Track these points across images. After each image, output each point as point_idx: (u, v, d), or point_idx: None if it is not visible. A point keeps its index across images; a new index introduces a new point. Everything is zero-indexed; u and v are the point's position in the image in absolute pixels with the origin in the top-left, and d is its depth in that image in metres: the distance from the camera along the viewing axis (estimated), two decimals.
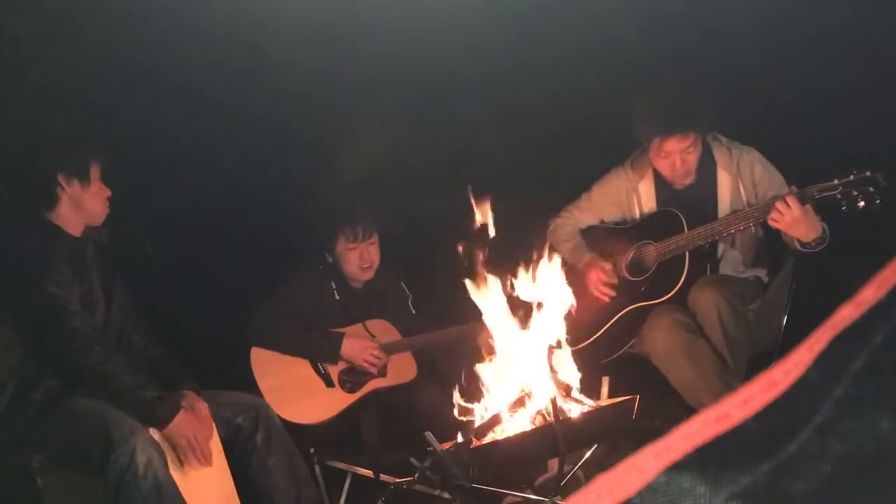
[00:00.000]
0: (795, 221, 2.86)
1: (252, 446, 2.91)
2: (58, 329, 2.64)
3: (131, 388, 2.65)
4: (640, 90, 3.32)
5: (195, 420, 2.70)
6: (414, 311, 3.68)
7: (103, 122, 3.38)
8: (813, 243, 2.93)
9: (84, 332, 2.66)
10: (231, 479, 2.82)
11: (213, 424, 2.80)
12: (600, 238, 3.49)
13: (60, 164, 2.78)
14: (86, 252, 2.84)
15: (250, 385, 3.29)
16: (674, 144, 3.18)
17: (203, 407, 2.76)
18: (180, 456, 2.65)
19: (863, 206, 2.80)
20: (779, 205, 2.87)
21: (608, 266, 3.34)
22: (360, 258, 3.49)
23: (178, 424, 2.65)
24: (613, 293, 3.31)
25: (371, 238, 3.51)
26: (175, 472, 2.61)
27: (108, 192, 2.86)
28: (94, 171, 2.83)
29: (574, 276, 3.49)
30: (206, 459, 2.69)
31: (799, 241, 2.95)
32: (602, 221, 3.54)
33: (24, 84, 3.31)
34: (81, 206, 2.80)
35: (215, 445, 2.80)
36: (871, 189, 2.80)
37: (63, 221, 2.80)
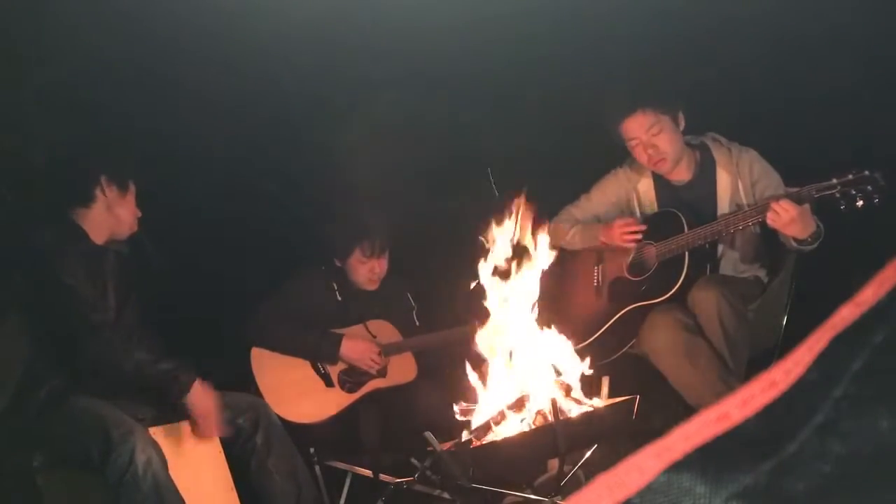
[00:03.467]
0: (792, 221, 2.87)
1: (252, 447, 2.91)
2: (70, 319, 2.68)
3: (147, 363, 2.71)
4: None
5: (211, 393, 2.78)
6: (418, 324, 3.69)
7: (103, 123, 3.38)
8: (809, 239, 2.94)
9: (95, 319, 2.71)
10: (231, 480, 2.82)
11: (216, 419, 2.80)
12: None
13: (105, 166, 2.85)
14: (104, 259, 2.85)
15: (250, 385, 3.29)
16: (634, 126, 3.21)
17: (209, 401, 2.79)
18: (199, 425, 2.74)
19: (861, 206, 2.80)
20: (775, 205, 2.88)
21: (621, 220, 3.34)
22: (370, 272, 3.53)
23: (198, 391, 2.73)
24: (640, 237, 3.31)
25: (384, 254, 3.54)
26: (174, 473, 2.61)
27: (139, 213, 2.92)
28: (132, 187, 2.90)
29: (578, 272, 3.51)
30: (216, 432, 2.79)
31: (794, 238, 2.96)
32: (601, 222, 3.54)
33: (24, 87, 3.32)
34: (113, 213, 2.85)
35: (215, 446, 2.81)
36: (869, 188, 2.80)
37: (89, 226, 2.83)
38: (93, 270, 2.79)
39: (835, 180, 2.85)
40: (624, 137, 3.27)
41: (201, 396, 2.75)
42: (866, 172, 2.82)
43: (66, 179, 2.89)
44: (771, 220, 2.91)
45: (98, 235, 2.85)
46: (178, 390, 2.72)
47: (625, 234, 3.32)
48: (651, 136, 3.20)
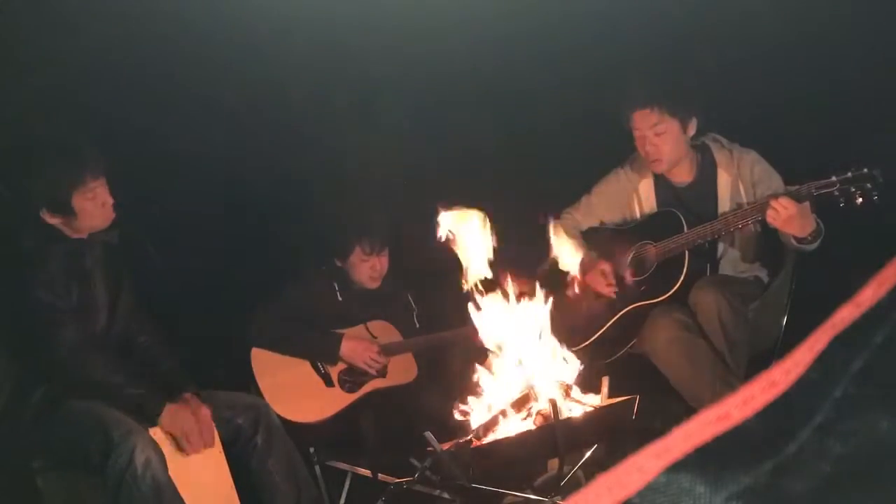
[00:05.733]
0: (791, 218, 2.87)
1: (252, 447, 2.90)
2: (44, 336, 2.63)
3: (115, 387, 2.65)
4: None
5: (188, 411, 2.71)
6: (418, 326, 3.68)
7: (103, 123, 3.38)
8: (809, 238, 2.95)
9: (67, 339, 2.64)
10: (231, 480, 2.81)
11: (215, 428, 2.79)
12: (601, 240, 3.49)
13: (42, 203, 2.68)
14: (86, 254, 2.79)
15: (250, 385, 3.29)
16: (640, 120, 3.21)
17: (205, 412, 2.76)
18: (181, 445, 2.68)
19: (861, 203, 2.81)
20: (774, 203, 2.88)
21: (605, 266, 3.33)
22: (371, 269, 3.52)
23: (170, 415, 2.67)
24: (614, 289, 3.30)
25: (384, 251, 3.54)
26: (174, 473, 2.61)
27: (109, 201, 2.76)
28: (80, 199, 2.69)
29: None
30: (207, 444, 2.73)
31: (794, 237, 2.97)
32: (602, 223, 3.54)
33: (22, 88, 3.30)
34: (74, 225, 2.74)
35: (215, 446, 2.80)
36: (868, 185, 2.81)
37: (64, 229, 2.75)
38: (77, 270, 2.74)
39: (834, 178, 2.85)
40: (632, 129, 3.27)
41: (174, 420, 2.68)
42: (866, 170, 2.82)
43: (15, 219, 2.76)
44: (771, 217, 2.91)
45: (77, 234, 2.77)
46: (147, 416, 2.66)
47: (600, 285, 3.30)
48: (654, 134, 3.20)
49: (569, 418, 2.50)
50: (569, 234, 3.55)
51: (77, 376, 2.65)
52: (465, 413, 2.65)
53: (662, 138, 3.20)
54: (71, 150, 2.75)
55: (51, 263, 2.67)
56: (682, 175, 3.33)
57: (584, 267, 3.37)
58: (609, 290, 3.29)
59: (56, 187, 2.68)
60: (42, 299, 2.63)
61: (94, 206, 2.73)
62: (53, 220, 2.71)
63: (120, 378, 2.68)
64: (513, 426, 2.52)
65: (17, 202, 2.76)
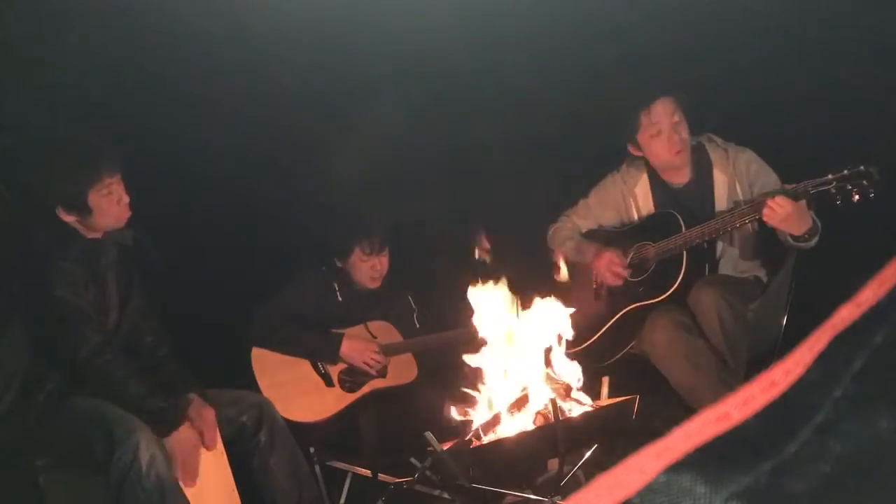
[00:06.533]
0: (788, 217, 2.88)
1: (255, 445, 2.90)
2: (66, 335, 2.63)
3: (137, 396, 2.64)
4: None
5: (196, 432, 2.69)
6: (419, 326, 3.68)
7: (104, 123, 3.38)
8: (805, 235, 2.95)
9: (93, 339, 2.64)
10: (232, 478, 2.81)
11: (218, 432, 2.79)
12: (599, 241, 3.49)
13: (58, 200, 2.69)
14: (101, 255, 2.79)
15: (251, 385, 3.29)
16: (660, 111, 3.20)
17: (209, 414, 2.75)
18: (174, 467, 2.65)
19: (857, 200, 2.82)
20: (770, 201, 2.89)
21: (613, 252, 3.33)
22: (371, 269, 3.53)
23: (179, 437, 2.65)
24: (626, 274, 3.30)
25: (384, 251, 3.54)
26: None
27: (125, 199, 2.76)
28: (96, 195, 2.70)
29: (576, 274, 3.51)
30: (193, 478, 2.67)
31: (791, 235, 2.97)
32: (600, 226, 3.54)
33: (24, 87, 3.30)
34: (89, 223, 2.74)
35: (217, 446, 2.80)
36: (865, 183, 2.82)
37: (79, 228, 2.75)
38: (93, 269, 2.74)
39: (830, 176, 2.86)
40: (644, 125, 3.25)
41: (183, 440, 2.65)
42: (862, 168, 2.83)
43: (36, 218, 2.76)
44: (767, 216, 2.92)
45: (92, 234, 2.78)
46: (161, 430, 2.64)
47: (611, 270, 3.31)
48: (674, 122, 3.21)
49: (569, 418, 2.50)
50: (568, 234, 3.55)
51: (98, 380, 2.64)
52: (465, 413, 2.65)
53: (681, 125, 3.22)
54: (85, 147, 2.76)
55: (67, 262, 2.67)
56: (679, 175, 3.33)
57: (595, 255, 3.38)
58: (617, 276, 3.29)
59: (71, 184, 2.68)
60: (63, 298, 2.63)
61: (110, 204, 2.74)
62: (69, 219, 2.71)
63: (141, 387, 2.65)
64: (513, 426, 2.52)
65: (32, 200, 2.76)
